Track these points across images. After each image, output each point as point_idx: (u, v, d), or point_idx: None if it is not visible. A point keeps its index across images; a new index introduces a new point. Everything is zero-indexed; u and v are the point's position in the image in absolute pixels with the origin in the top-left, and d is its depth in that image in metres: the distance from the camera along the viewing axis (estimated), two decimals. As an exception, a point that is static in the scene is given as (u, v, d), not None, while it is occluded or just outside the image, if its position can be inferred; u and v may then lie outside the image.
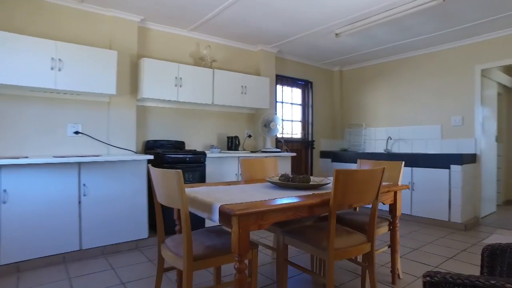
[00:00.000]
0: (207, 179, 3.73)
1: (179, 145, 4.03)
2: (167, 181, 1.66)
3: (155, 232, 3.44)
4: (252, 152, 4.38)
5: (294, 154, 4.59)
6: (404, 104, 5.19)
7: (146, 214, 3.25)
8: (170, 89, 3.70)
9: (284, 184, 2.15)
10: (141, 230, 3.21)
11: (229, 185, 2.32)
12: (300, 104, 5.70)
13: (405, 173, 4.53)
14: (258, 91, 4.53)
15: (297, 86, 5.66)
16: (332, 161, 5.57)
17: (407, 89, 5.16)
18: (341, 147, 6.06)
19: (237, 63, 4.72)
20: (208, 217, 1.65)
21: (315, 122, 5.83)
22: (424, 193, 4.37)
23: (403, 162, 2.65)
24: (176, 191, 1.60)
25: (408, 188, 3.14)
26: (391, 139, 5.31)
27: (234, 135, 4.51)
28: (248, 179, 2.77)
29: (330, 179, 2.36)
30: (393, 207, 2.47)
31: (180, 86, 3.77)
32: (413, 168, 4.48)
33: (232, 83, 4.26)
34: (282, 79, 5.36)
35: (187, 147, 4.22)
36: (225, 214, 1.54)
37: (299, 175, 2.27)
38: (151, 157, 3.22)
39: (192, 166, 3.59)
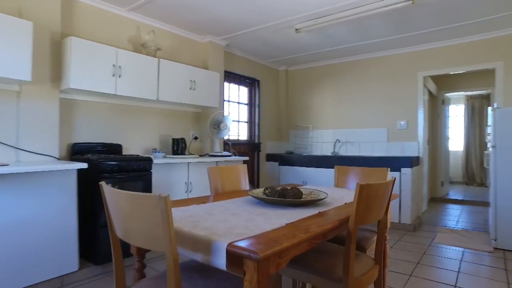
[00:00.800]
0: (153, 190, 3.10)
1: (115, 149, 3.29)
2: (141, 210, 1.11)
3: (89, 261, 2.69)
4: (200, 156, 3.84)
5: (246, 158, 4.20)
6: (352, 107, 5.21)
7: (76, 241, 2.49)
8: (107, 80, 2.96)
9: (278, 201, 1.73)
10: (69, 261, 2.45)
11: (204, 202, 1.81)
12: (246, 104, 5.33)
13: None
14: (208, 87, 4.01)
15: (245, 84, 5.28)
16: (280, 164, 5.33)
17: (355, 92, 5.19)
18: (286, 149, 5.87)
19: (183, 54, 4.12)
20: (204, 259, 1.15)
21: (262, 123, 5.53)
22: (375, 196, 4.38)
23: (389, 169, 2.47)
24: (160, 226, 1.06)
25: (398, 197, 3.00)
26: (339, 141, 5.29)
27: (179, 137, 3.92)
28: (219, 192, 2.28)
29: (323, 190, 2.04)
30: (383, 218, 2.25)
31: (119, 76, 3.05)
32: (364, 171, 4.47)
33: (180, 77, 3.66)
34: (230, 76, 4.91)
35: (125, 152, 3.48)
36: (238, 257, 1.06)
37: (287, 187, 1.89)
38: (84, 165, 2.47)
39: (136, 175, 2.92)
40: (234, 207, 1.68)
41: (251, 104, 5.38)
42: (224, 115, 4.21)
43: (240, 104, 5.17)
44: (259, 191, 1.98)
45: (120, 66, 3.05)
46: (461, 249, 3.46)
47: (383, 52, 4.86)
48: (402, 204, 4.21)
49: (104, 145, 3.20)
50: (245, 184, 2.51)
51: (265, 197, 1.80)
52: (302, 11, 3.47)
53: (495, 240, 3.48)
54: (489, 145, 3.90)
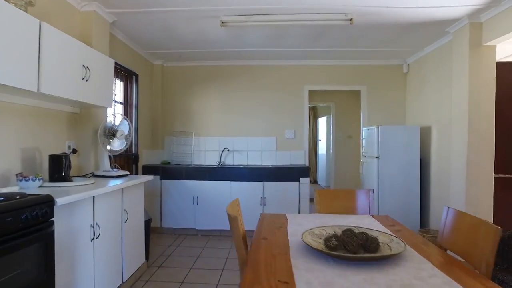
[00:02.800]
0: (59, 261, 1.76)
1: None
2: None
3: None
4: (82, 177, 2.55)
5: (151, 177, 3.14)
6: (241, 114, 4.94)
7: None
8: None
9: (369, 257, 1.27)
10: None
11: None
12: (122, 103, 4.07)
13: (256, 188, 4.30)
14: (103, 78, 2.74)
15: (120, 77, 4.01)
16: (162, 178, 4.40)
17: (244, 98, 4.94)
18: (162, 159, 4.93)
19: (57, 24, 2.62)
20: None
21: (141, 128, 4.40)
22: (275, 206, 4.32)
23: (372, 190, 2.39)
24: None
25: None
26: (228, 150, 4.90)
27: (56, 152, 2.48)
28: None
29: (376, 228, 1.69)
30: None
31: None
32: (264, 182, 4.34)
33: (71, 59, 2.30)
34: (106, 64, 3.58)
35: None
36: None
37: (348, 231, 1.47)
38: None
39: (26, 235, 1.57)
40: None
41: (127, 104, 4.15)
42: (123, 119, 3.01)
43: (115, 103, 3.88)
44: (312, 239, 1.45)
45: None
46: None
47: (275, 61, 4.87)
48: (301, 211, 4.35)
49: None
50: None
51: (341, 253, 1.31)
52: (231, 3, 2.93)
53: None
54: (363, 154, 4.61)
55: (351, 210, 2.28)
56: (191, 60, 4.84)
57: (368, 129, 4.51)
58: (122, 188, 2.52)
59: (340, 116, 6.97)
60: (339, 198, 2.33)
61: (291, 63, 4.87)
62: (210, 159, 4.95)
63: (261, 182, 4.33)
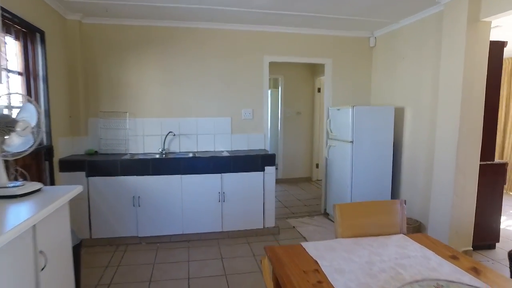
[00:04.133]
0: None
1: None
2: None
3: None
4: None
5: (79, 188, 2.14)
6: (188, 89, 4.01)
7: None
8: None
9: None
10: None
11: None
12: (20, 73, 2.82)
13: (213, 181, 3.56)
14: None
15: (17, 34, 2.73)
16: (89, 175, 3.34)
17: (192, 69, 3.99)
18: (87, 148, 3.79)
19: None
20: None
21: (53, 110, 3.20)
22: (237, 203, 3.66)
23: (404, 201, 1.85)
24: None
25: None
26: (174, 134, 3.97)
27: None
28: None
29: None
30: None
31: None
32: (223, 174, 3.61)
33: None
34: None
35: None
36: None
37: None
38: None
39: None
40: None
41: (29, 76, 2.90)
42: (23, 102, 1.92)
43: (8, 75, 2.63)
44: None
45: None
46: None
47: (230, 25, 3.97)
48: (266, 207, 3.76)
49: None
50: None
51: None
52: None
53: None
54: (330, 137, 4.16)
55: (380, 228, 1.73)
56: (122, 17, 3.66)
57: (338, 110, 4.02)
58: (34, 225, 1.55)
59: (289, 90, 6.44)
60: (365, 213, 1.74)
61: (250, 28, 4.04)
62: (150, 146, 3.98)
63: (219, 175, 3.59)
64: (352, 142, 3.73)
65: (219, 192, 3.60)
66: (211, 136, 4.12)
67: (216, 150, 4.11)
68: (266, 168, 3.71)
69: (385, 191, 3.91)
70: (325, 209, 4.51)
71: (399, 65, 3.94)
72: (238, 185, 3.64)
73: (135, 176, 3.41)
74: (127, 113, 3.88)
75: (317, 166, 6.58)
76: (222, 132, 4.14)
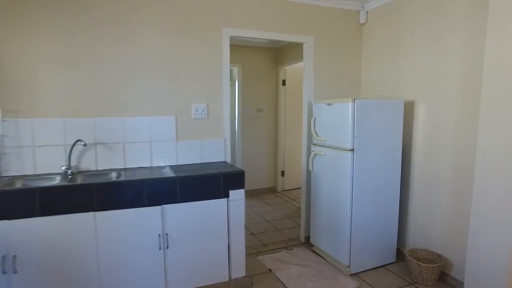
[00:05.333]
0: None
1: None
2: None
3: None
4: None
5: None
6: (108, 73, 2.59)
7: None
8: None
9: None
10: None
11: None
12: None
13: (149, 219, 2.25)
14: None
15: None
16: None
17: (115, 45, 2.58)
18: None
19: None
20: None
21: None
22: (188, 248, 2.39)
23: None
24: None
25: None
26: (84, 144, 2.52)
27: None
28: None
29: None
30: None
31: None
32: (165, 206, 2.30)
33: None
34: None
35: None
36: None
37: None
38: None
39: None
40: None
41: None
42: None
43: None
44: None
45: None
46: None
47: (172, -23, 2.64)
48: (232, 249, 2.54)
49: None
50: None
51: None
52: None
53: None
54: (315, 143, 3.08)
55: None
56: None
57: (329, 105, 2.91)
58: None
59: (248, 83, 5.25)
60: None
61: (201, -15, 2.75)
62: (46, 164, 2.49)
63: (159, 207, 2.28)
64: (352, 150, 2.64)
65: (159, 235, 2.29)
66: (146, 144, 2.75)
67: (154, 165, 2.77)
68: (232, 192, 2.48)
69: (392, 217, 2.92)
70: (307, 237, 3.41)
71: (404, 45, 2.95)
72: (189, 222, 2.37)
73: (6, 221, 1.95)
74: (17, 113, 2.36)
75: (282, 174, 5.50)
76: (163, 138, 2.80)
